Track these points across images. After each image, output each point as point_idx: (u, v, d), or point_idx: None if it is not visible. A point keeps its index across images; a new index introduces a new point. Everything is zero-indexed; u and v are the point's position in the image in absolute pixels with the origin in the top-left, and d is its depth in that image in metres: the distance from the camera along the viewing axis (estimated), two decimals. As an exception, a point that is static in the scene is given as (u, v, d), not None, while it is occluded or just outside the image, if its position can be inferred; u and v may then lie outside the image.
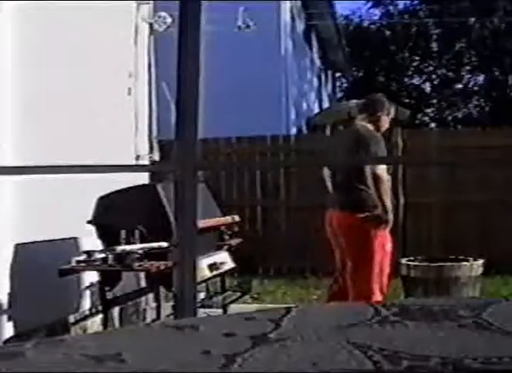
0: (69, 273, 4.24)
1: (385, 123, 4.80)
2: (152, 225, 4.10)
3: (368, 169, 4.53)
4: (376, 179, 4.49)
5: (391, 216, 4.52)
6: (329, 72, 20.34)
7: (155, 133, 6.13)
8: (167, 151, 5.60)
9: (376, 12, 23.92)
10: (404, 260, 6.09)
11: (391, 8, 23.40)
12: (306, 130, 14.21)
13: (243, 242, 5.12)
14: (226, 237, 4.92)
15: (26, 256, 4.21)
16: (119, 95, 5.52)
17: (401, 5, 23.53)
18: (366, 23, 24.16)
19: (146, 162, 5.79)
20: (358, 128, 4.79)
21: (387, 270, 4.67)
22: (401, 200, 8.49)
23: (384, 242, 4.57)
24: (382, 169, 4.54)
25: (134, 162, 5.60)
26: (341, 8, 35.68)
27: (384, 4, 23.38)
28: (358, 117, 4.89)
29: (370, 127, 4.72)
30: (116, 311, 4.98)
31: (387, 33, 23.41)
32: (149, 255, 4.04)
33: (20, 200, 4.12)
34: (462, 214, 8.40)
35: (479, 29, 21.33)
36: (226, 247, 4.87)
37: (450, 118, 23.29)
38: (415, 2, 23.02)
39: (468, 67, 23.21)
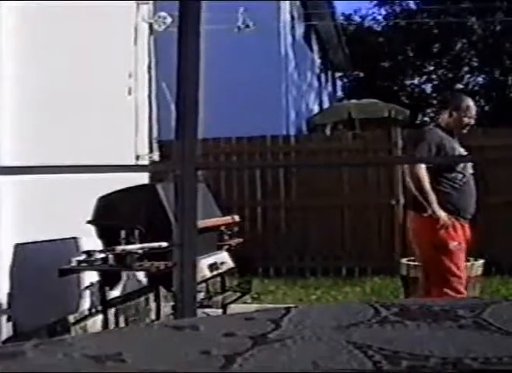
0: (69, 273, 4.25)
1: (457, 120, 4.65)
2: (152, 225, 4.10)
3: (405, 169, 4.57)
4: (414, 178, 4.50)
5: (440, 214, 4.45)
6: (329, 72, 20.34)
7: (155, 133, 6.14)
8: (167, 151, 5.60)
9: (380, 12, 23.95)
10: (404, 260, 6.09)
11: (394, 8, 23.40)
12: (306, 131, 14.21)
13: (243, 242, 5.12)
14: (226, 237, 4.92)
15: (26, 256, 4.21)
16: (119, 95, 5.52)
17: (402, 5, 23.52)
18: (367, 23, 24.17)
19: (146, 162, 5.79)
20: (425, 127, 4.79)
21: (455, 268, 4.58)
22: (401, 200, 8.49)
23: (444, 242, 4.49)
24: (420, 169, 4.49)
25: (134, 162, 5.60)
26: (343, 8, 35.69)
27: (387, 4, 23.38)
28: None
29: (444, 125, 4.67)
30: (116, 311, 4.98)
31: (388, 32, 23.41)
32: (149, 255, 4.04)
33: (20, 200, 4.12)
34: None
35: (480, 29, 21.34)
36: (225, 247, 4.87)
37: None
38: (417, 2, 23.02)
39: (468, 68, 23.22)
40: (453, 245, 4.50)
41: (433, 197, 4.47)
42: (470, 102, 4.81)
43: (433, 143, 4.55)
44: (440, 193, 4.52)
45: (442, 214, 4.46)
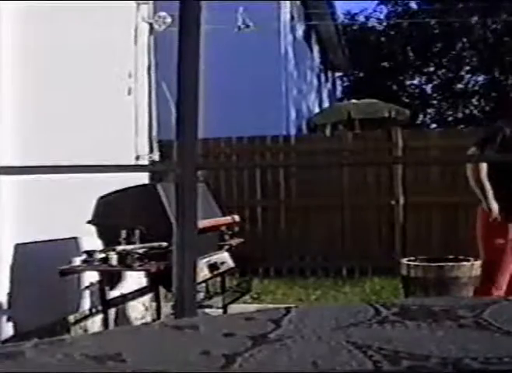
0: (69, 273, 4.25)
1: None
2: (152, 225, 4.10)
3: (467, 164, 4.58)
4: (473, 170, 4.49)
5: (493, 206, 4.39)
6: (329, 72, 20.35)
7: (155, 133, 6.14)
8: (167, 151, 5.60)
9: (381, 12, 23.96)
10: (404, 260, 6.09)
11: (395, 7, 23.40)
12: (306, 130, 14.21)
13: (243, 242, 5.12)
14: (226, 237, 4.92)
15: (26, 256, 4.21)
16: (119, 95, 5.52)
17: (402, 5, 23.52)
18: (368, 23, 24.18)
19: (146, 162, 5.79)
20: (496, 123, 4.69)
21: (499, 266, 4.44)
22: (401, 200, 8.50)
23: (494, 237, 4.44)
24: (481, 166, 4.47)
25: (134, 162, 5.60)
26: (343, 8, 35.70)
27: (388, 3, 23.39)
28: None
29: None
30: (116, 311, 4.98)
31: (389, 32, 23.42)
32: (149, 255, 4.04)
33: (20, 200, 4.12)
34: (462, 214, 8.40)
35: (480, 29, 21.33)
36: (226, 247, 4.87)
37: (450, 118, 23.30)
38: (417, 2, 23.03)
39: (468, 68, 23.22)
40: (500, 242, 4.43)
41: (488, 188, 4.41)
42: None
43: (498, 142, 4.43)
44: (502, 191, 4.43)
45: (494, 206, 4.39)
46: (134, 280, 4.98)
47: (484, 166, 4.44)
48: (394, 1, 23.37)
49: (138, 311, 5.55)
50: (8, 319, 4.16)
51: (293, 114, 13.47)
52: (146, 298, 5.50)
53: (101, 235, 4.31)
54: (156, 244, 4.01)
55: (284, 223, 8.79)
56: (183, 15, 1.63)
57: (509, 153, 4.33)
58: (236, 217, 5.09)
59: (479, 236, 4.58)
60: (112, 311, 4.76)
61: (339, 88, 23.60)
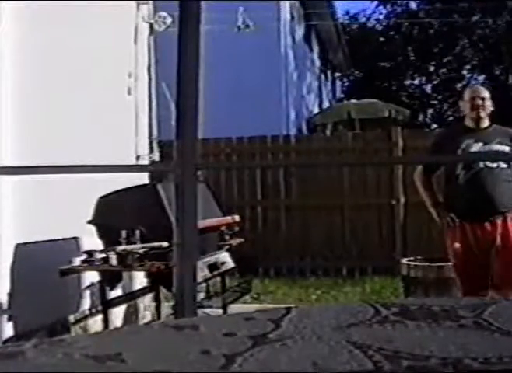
0: (70, 274, 4.25)
1: (464, 110, 4.50)
2: (152, 225, 4.10)
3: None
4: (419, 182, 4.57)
5: (431, 211, 4.46)
6: (329, 72, 20.34)
7: (155, 133, 6.14)
8: (167, 151, 5.60)
9: (381, 12, 23.95)
10: (404, 260, 6.09)
11: (395, 7, 23.39)
12: (306, 131, 14.21)
13: (243, 242, 5.11)
14: (227, 237, 4.92)
15: (26, 256, 4.21)
16: (119, 95, 5.52)
17: (403, 5, 23.52)
18: (368, 23, 24.17)
19: (146, 162, 5.79)
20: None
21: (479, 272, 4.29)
22: (401, 200, 8.50)
23: (449, 242, 4.41)
24: (415, 171, 4.62)
25: (134, 162, 5.61)
26: (343, 8, 35.69)
27: (389, 3, 23.38)
28: None
29: (465, 121, 4.55)
30: (116, 311, 4.98)
31: (389, 32, 23.41)
32: (149, 255, 4.04)
33: (20, 200, 4.12)
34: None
35: (481, 28, 21.33)
36: (226, 247, 4.87)
37: (451, 118, 23.28)
38: (417, 2, 23.02)
39: (469, 67, 23.20)
40: (456, 246, 4.34)
41: (423, 195, 4.49)
42: (471, 87, 4.68)
43: (433, 146, 4.60)
44: (445, 192, 4.50)
45: (432, 212, 4.45)
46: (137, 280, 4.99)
47: (419, 173, 4.54)
48: (394, 1, 23.35)
49: (139, 311, 5.55)
50: (8, 319, 4.16)
51: (293, 114, 13.46)
52: (146, 298, 5.50)
53: (101, 235, 4.31)
54: (156, 244, 4.01)
55: (284, 223, 8.79)
56: (183, 15, 1.63)
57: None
58: (237, 217, 5.09)
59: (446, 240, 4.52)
60: (114, 312, 4.76)
61: (339, 89, 23.59)
